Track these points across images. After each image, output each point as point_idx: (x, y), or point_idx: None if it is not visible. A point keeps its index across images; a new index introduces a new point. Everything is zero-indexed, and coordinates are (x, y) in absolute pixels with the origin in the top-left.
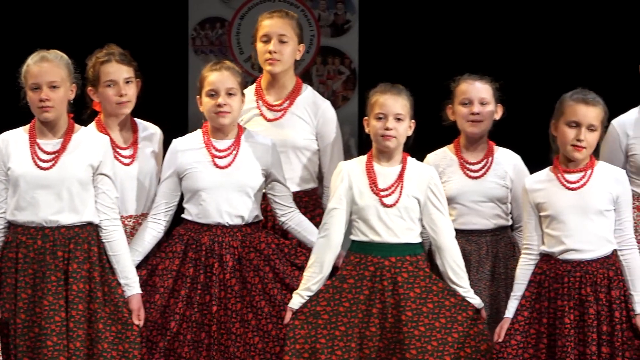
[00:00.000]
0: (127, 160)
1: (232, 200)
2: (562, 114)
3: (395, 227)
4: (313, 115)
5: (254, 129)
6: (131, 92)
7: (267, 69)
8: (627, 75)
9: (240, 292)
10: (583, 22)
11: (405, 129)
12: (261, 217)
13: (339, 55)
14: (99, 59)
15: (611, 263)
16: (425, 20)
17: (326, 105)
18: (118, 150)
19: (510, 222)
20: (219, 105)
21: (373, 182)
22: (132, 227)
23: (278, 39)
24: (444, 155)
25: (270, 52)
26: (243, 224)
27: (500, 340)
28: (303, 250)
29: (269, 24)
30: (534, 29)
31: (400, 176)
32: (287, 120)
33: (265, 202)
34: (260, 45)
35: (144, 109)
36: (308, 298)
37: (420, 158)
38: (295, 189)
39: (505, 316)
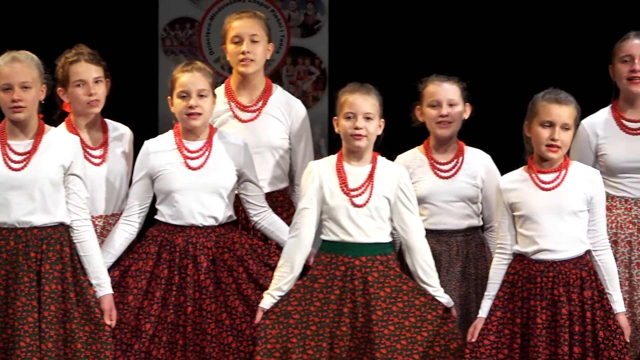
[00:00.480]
0: (97, 161)
1: (205, 201)
2: (536, 114)
3: (366, 226)
4: (287, 114)
5: (228, 130)
6: (100, 91)
7: (241, 70)
8: (597, 76)
9: (215, 292)
10: (551, 21)
11: (374, 128)
12: (234, 217)
13: (309, 56)
14: (68, 59)
15: (584, 263)
16: (394, 20)
17: (299, 105)
18: (88, 150)
19: (481, 223)
20: (191, 107)
21: (343, 182)
22: (102, 227)
23: (250, 39)
24: (414, 156)
25: (243, 53)
26: (216, 224)
27: (473, 340)
28: (276, 250)
29: (239, 24)
30: (502, 29)
31: (371, 176)
32: (262, 120)
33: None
34: (231, 47)
35: (113, 110)
36: (279, 298)
37: (391, 159)
38: (271, 188)
39: (479, 316)
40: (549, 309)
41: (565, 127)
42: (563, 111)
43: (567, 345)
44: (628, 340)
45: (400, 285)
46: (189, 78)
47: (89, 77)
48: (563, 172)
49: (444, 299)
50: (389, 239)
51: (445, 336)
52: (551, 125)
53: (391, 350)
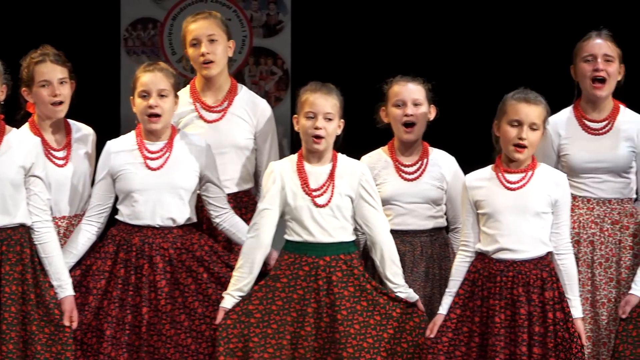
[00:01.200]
0: (60, 162)
1: (163, 202)
2: (504, 114)
3: (329, 226)
4: (252, 114)
5: (193, 131)
6: (65, 92)
7: (204, 73)
8: (560, 76)
9: (171, 293)
10: (514, 23)
11: (334, 128)
12: (194, 219)
13: (271, 56)
14: (34, 60)
15: (545, 264)
16: (357, 21)
17: (264, 105)
18: (52, 151)
19: (445, 223)
20: (150, 107)
21: (305, 182)
22: (66, 228)
23: (208, 40)
24: (378, 157)
25: (203, 55)
26: (174, 225)
27: (432, 336)
28: (238, 252)
29: (195, 27)
30: (466, 30)
31: (331, 175)
32: (228, 120)
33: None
34: (191, 50)
35: (76, 110)
36: (240, 298)
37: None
38: (236, 189)
39: (438, 312)
40: (508, 308)
41: (533, 127)
42: (531, 110)
43: (526, 346)
44: (585, 343)
45: (364, 284)
46: (150, 78)
47: (54, 77)
48: (530, 173)
49: (408, 294)
50: (352, 238)
51: (412, 332)
52: (519, 124)
53: (358, 349)
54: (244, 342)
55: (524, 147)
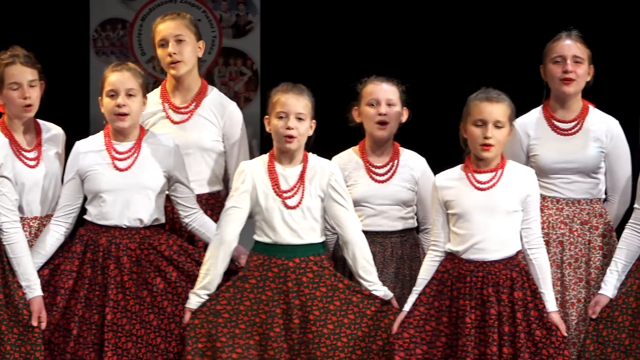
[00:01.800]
0: (32, 163)
1: (131, 202)
2: (469, 115)
3: (299, 228)
4: (220, 116)
5: (160, 131)
6: (35, 94)
7: (172, 73)
8: (530, 76)
9: (139, 293)
10: (487, 24)
11: (306, 129)
12: (163, 220)
13: (240, 57)
14: (3, 61)
15: (515, 264)
16: (327, 21)
17: (233, 107)
18: (23, 152)
19: (415, 224)
20: (118, 106)
21: (275, 184)
22: (37, 228)
23: (175, 40)
24: (349, 158)
25: (170, 55)
26: (142, 226)
27: (394, 332)
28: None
29: (163, 28)
30: (437, 31)
31: (302, 176)
32: (194, 122)
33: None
34: (160, 51)
35: (45, 110)
36: (206, 297)
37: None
38: (202, 190)
39: (402, 309)
40: (478, 308)
41: (497, 125)
42: (494, 109)
43: (496, 346)
44: (565, 334)
45: (336, 284)
46: (118, 77)
47: (23, 79)
48: (499, 172)
49: (382, 291)
50: (322, 239)
51: (387, 329)
52: (484, 123)
53: (332, 349)
54: (212, 342)
55: (491, 145)
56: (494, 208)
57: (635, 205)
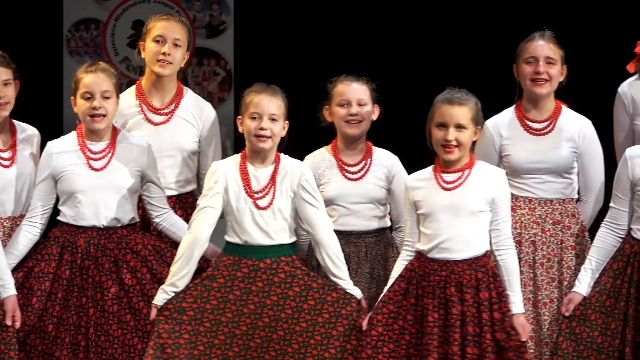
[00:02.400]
0: (6, 163)
1: (107, 202)
2: (432, 117)
3: (270, 229)
4: (198, 117)
5: (139, 133)
6: (10, 93)
7: (157, 70)
8: (503, 76)
9: (117, 293)
10: (459, 22)
11: (279, 129)
12: (137, 219)
13: (214, 57)
14: None
15: (481, 265)
16: (300, 21)
17: (209, 108)
18: None
19: (389, 223)
20: (95, 108)
21: (247, 184)
22: (10, 228)
23: (173, 42)
24: (322, 157)
25: (164, 54)
26: (119, 226)
27: (364, 329)
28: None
29: (165, 25)
30: (410, 29)
31: (273, 177)
32: (174, 123)
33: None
34: (152, 45)
35: (18, 110)
36: (173, 294)
37: (298, 159)
38: (180, 190)
39: (374, 307)
40: (441, 308)
41: (459, 127)
42: (456, 111)
43: (457, 345)
44: (524, 340)
45: (310, 283)
46: (93, 79)
47: None
48: (466, 172)
49: (354, 291)
50: (292, 239)
51: (361, 329)
52: (445, 126)
53: (304, 345)
54: (174, 339)
55: (452, 147)
56: (459, 208)
57: (611, 204)
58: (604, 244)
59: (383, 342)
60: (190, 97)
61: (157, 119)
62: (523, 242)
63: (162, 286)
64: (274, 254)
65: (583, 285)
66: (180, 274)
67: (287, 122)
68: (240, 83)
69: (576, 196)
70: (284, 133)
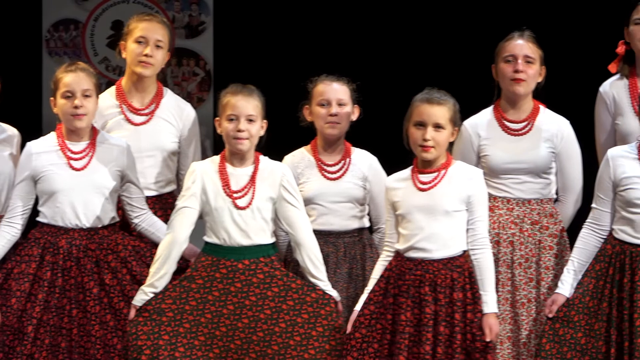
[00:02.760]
0: None
1: (88, 202)
2: (410, 116)
3: (249, 229)
4: (178, 118)
5: (119, 134)
6: None
7: (138, 70)
8: (481, 76)
9: (99, 294)
10: (439, 24)
11: (257, 130)
12: (118, 219)
13: (193, 57)
14: None
15: (457, 265)
16: (280, 21)
17: (189, 108)
18: None
19: (368, 224)
20: (76, 107)
21: (226, 184)
22: None
23: (155, 44)
24: (302, 156)
25: (146, 55)
26: (100, 226)
27: (347, 332)
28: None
29: (147, 26)
30: (390, 30)
31: (253, 177)
32: (155, 124)
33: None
34: (134, 46)
35: None
36: (152, 295)
37: (276, 159)
38: (161, 191)
39: (354, 309)
40: (415, 307)
41: (437, 127)
42: (434, 111)
43: (429, 345)
44: (488, 340)
45: (289, 284)
46: (74, 78)
47: None
48: (442, 172)
49: (333, 292)
50: (272, 240)
51: (340, 330)
52: (423, 125)
53: (284, 346)
54: (153, 340)
55: (430, 147)
56: (433, 208)
57: (593, 205)
58: (586, 244)
59: (368, 343)
60: (170, 98)
61: (137, 119)
62: (501, 242)
63: (142, 287)
64: (253, 255)
65: (566, 286)
66: (158, 274)
67: (265, 121)
68: (219, 83)
69: (554, 196)
70: (262, 133)
